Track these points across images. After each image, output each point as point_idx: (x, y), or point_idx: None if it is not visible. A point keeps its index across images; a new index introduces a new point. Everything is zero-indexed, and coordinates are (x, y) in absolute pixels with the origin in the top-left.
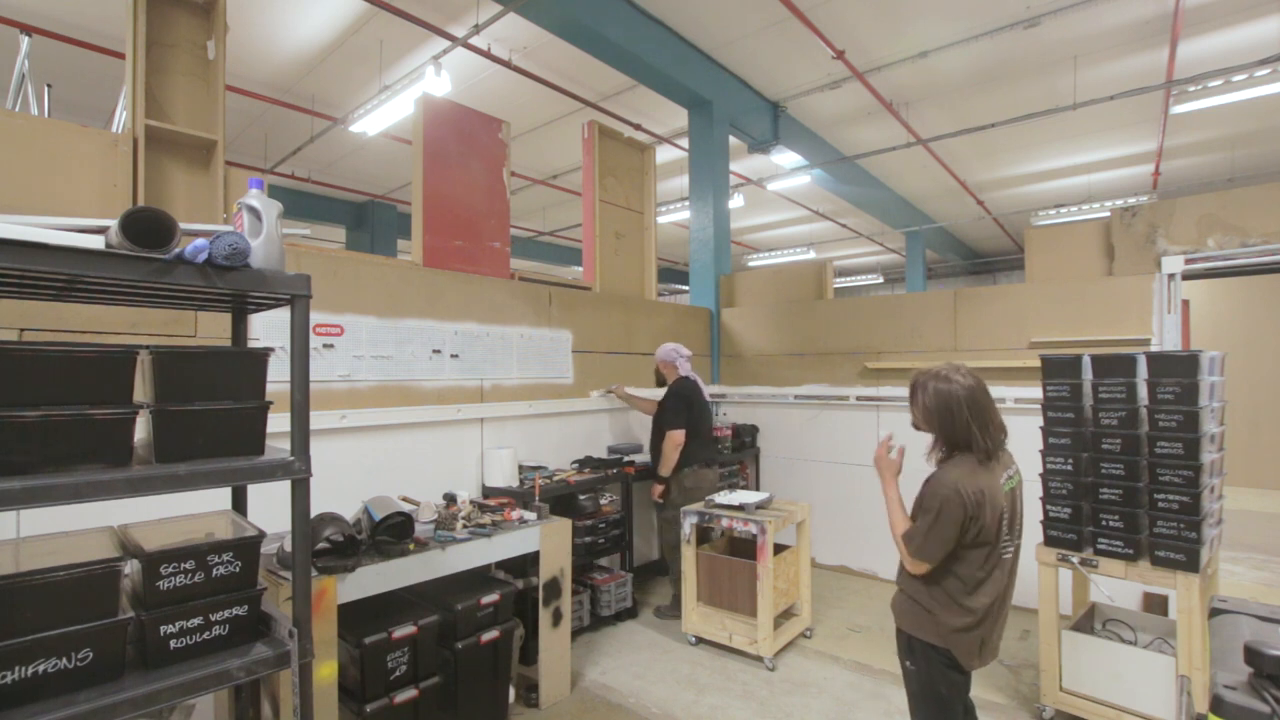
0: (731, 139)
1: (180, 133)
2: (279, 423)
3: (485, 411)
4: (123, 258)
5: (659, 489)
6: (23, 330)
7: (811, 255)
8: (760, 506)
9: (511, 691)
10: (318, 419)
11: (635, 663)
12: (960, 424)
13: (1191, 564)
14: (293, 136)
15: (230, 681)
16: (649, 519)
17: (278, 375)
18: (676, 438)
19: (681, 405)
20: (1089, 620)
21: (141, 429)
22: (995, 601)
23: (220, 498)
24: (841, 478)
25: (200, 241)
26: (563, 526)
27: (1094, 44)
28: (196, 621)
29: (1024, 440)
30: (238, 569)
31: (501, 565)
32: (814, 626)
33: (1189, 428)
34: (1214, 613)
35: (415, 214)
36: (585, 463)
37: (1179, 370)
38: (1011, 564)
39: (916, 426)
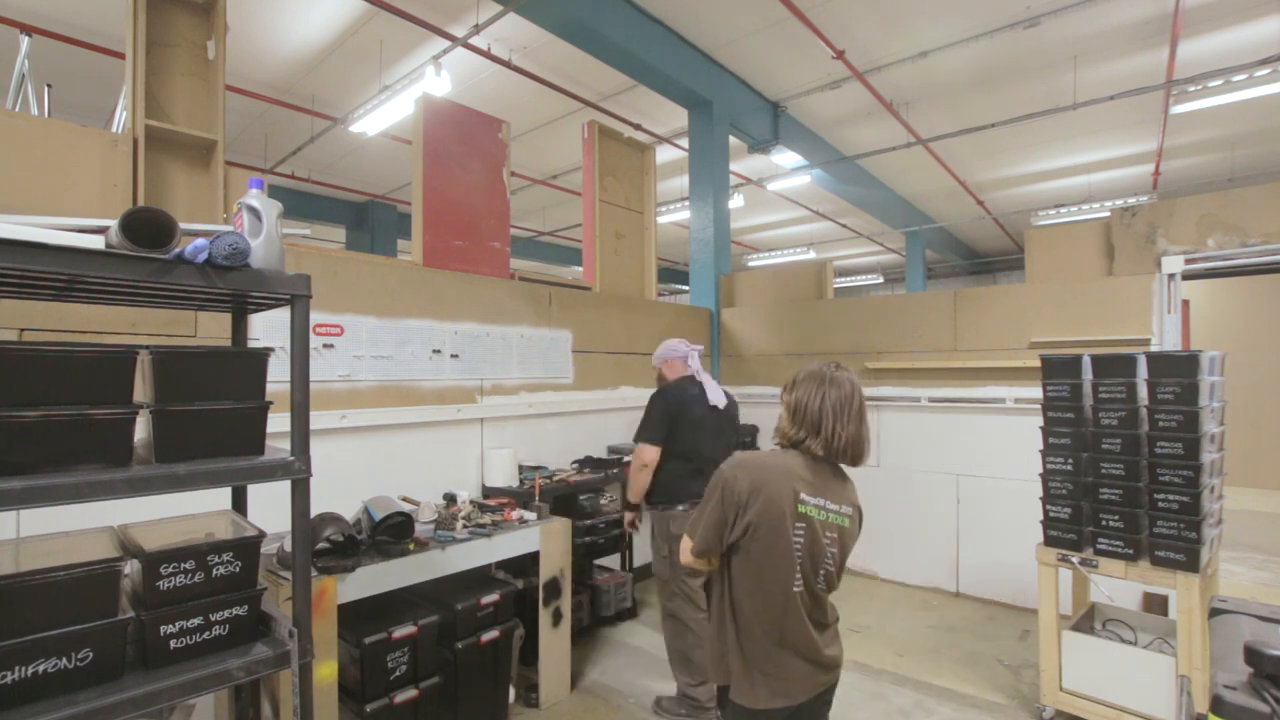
0: (731, 139)
1: (180, 133)
2: (279, 423)
3: (485, 411)
4: (123, 258)
5: (628, 516)
6: (23, 330)
7: (811, 255)
8: None
9: (511, 691)
10: (318, 419)
11: (635, 663)
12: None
13: (1191, 564)
14: (293, 136)
15: (230, 681)
16: (649, 519)
17: (278, 375)
18: (643, 455)
19: (659, 415)
20: (1089, 620)
21: (141, 429)
22: (770, 629)
23: (220, 498)
24: None
25: (200, 241)
26: (563, 526)
27: (1094, 44)
28: (196, 621)
29: (1024, 440)
30: (238, 569)
31: (502, 565)
32: None
33: (1189, 428)
34: (1214, 613)
35: (415, 214)
36: (585, 463)
37: (1179, 370)
38: (802, 601)
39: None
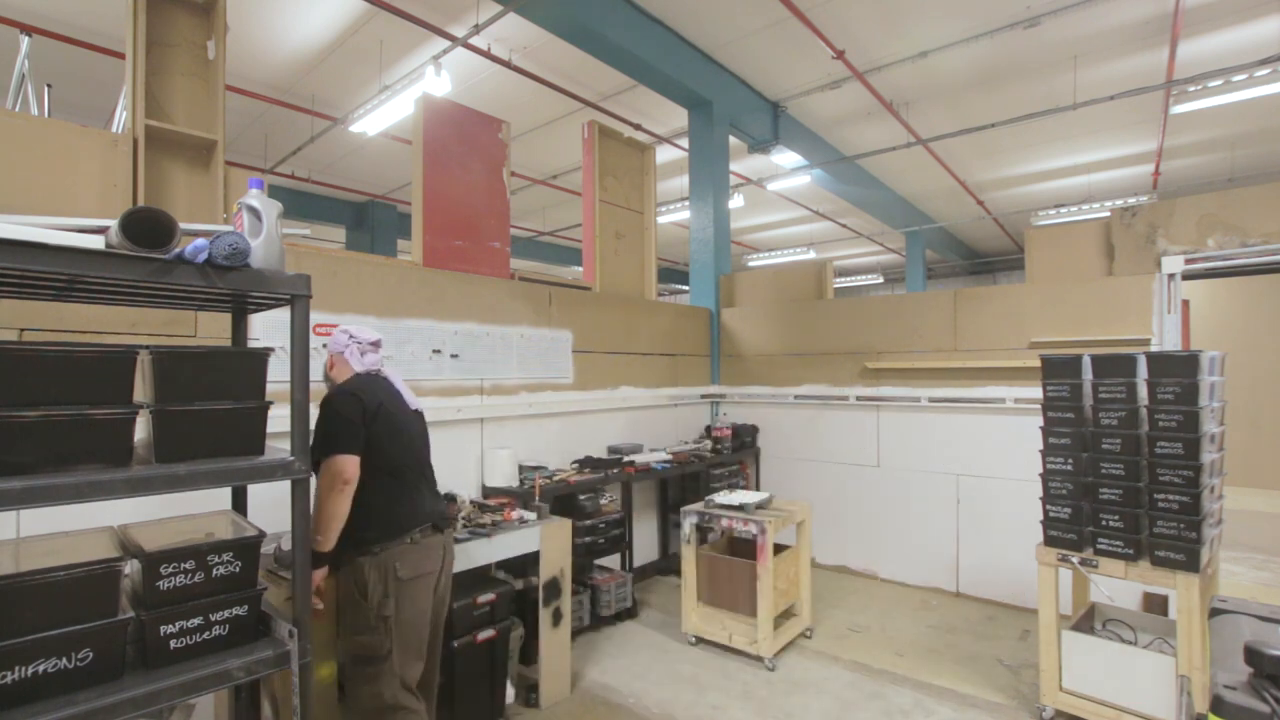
0: (731, 139)
1: (180, 133)
2: (279, 423)
3: (485, 411)
4: (123, 258)
5: (316, 577)
6: (23, 330)
7: (811, 255)
8: (760, 506)
9: (512, 691)
10: None
11: (635, 663)
12: None
13: (1191, 564)
14: (293, 136)
15: (230, 681)
16: (649, 518)
17: (278, 375)
18: (339, 467)
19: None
20: (1089, 620)
21: (141, 429)
22: None
23: (220, 498)
24: (841, 478)
25: (200, 241)
26: (563, 526)
27: (1094, 44)
28: (196, 621)
29: (1024, 440)
30: (238, 569)
31: (502, 565)
32: (814, 626)
33: (1189, 428)
34: (1214, 613)
35: (415, 214)
36: (585, 463)
37: (1179, 370)
38: None
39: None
